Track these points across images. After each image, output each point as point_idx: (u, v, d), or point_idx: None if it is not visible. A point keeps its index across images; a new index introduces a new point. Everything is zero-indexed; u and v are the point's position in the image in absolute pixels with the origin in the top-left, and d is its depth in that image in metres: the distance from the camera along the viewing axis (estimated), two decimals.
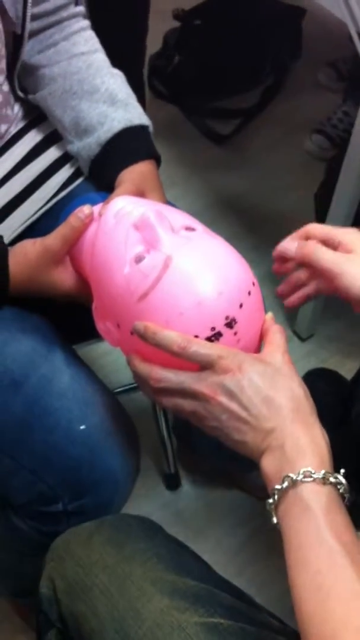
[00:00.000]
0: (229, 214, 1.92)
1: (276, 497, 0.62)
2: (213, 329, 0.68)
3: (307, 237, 0.80)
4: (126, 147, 0.92)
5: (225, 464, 1.37)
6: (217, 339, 0.69)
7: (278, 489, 0.62)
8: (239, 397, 0.66)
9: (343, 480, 0.62)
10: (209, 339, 0.68)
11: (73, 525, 0.79)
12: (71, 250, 0.82)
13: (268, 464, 0.64)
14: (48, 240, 0.82)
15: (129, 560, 0.72)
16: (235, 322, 0.69)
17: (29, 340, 0.86)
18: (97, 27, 1.03)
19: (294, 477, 0.61)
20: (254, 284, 0.73)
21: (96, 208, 0.82)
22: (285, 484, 0.61)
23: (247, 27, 2.11)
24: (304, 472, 0.61)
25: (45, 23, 0.96)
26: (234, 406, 0.66)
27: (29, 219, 0.98)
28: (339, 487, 0.62)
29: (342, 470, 0.63)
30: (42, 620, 0.75)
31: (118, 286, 0.72)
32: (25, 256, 0.82)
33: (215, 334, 0.68)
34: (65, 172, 1.00)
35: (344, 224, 1.42)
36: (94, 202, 0.82)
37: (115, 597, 0.70)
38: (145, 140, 0.95)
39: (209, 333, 0.68)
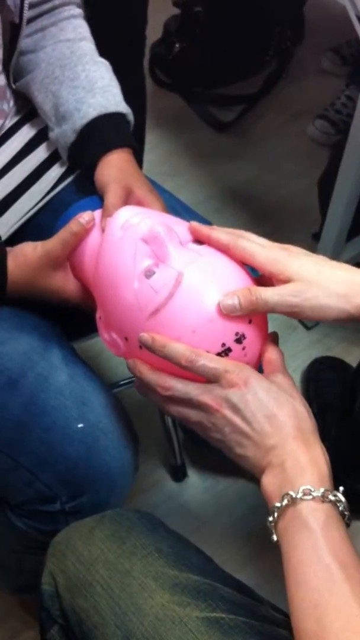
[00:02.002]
0: (232, 203, 1.91)
1: (276, 514, 0.62)
2: (223, 345, 0.69)
3: (237, 254, 0.73)
4: (101, 135, 0.90)
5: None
6: (227, 355, 0.69)
7: (277, 507, 0.62)
8: (243, 412, 0.66)
9: (342, 498, 0.62)
10: (218, 355, 0.69)
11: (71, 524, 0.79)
12: (72, 257, 0.82)
13: (268, 482, 0.65)
14: (48, 245, 0.81)
15: (130, 555, 0.72)
16: (245, 338, 0.70)
17: (26, 339, 0.86)
18: (96, 19, 1.02)
19: (294, 495, 0.61)
20: None
21: (97, 213, 0.82)
22: (285, 502, 0.62)
23: (248, 13, 2.09)
24: (303, 489, 0.61)
25: (38, 11, 0.96)
26: (237, 420, 0.66)
27: (26, 214, 0.97)
28: (338, 504, 0.62)
29: (342, 488, 0.63)
30: (44, 617, 0.75)
31: (127, 300, 0.72)
32: (25, 258, 0.82)
33: (225, 350, 0.69)
34: (62, 165, 0.99)
35: (347, 210, 1.41)
36: (85, 209, 0.82)
37: (117, 592, 0.70)
38: (121, 129, 0.93)
39: (220, 349, 0.69)
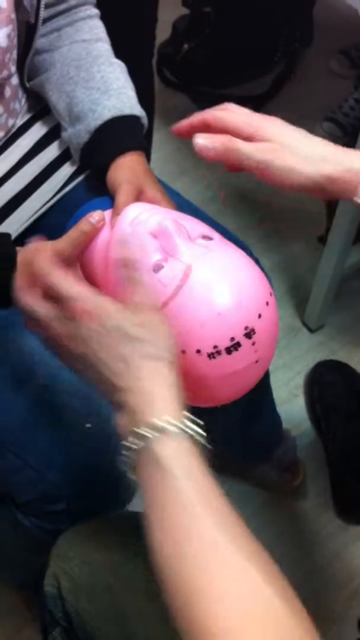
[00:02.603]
0: (237, 204, 1.90)
1: (129, 454, 0.58)
2: (232, 339, 0.68)
3: (218, 126, 0.76)
4: (115, 137, 0.90)
5: (233, 457, 1.36)
6: (236, 349, 0.68)
7: (127, 446, 0.58)
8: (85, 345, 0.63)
9: (199, 429, 0.58)
10: (228, 350, 0.68)
11: (76, 525, 0.78)
12: (82, 257, 0.82)
13: (120, 420, 0.61)
14: (58, 245, 0.81)
15: (133, 558, 0.71)
16: (254, 333, 0.69)
17: (35, 338, 0.85)
18: (106, 17, 1.02)
19: (141, 432, 0.57)
20: (271, 294, 0.73)
21: (107, 213, 0.82)
22: (136, 441, 0.57)
23: (257, 14, 2.08)
24: (152, 425, 0.57)
25: (54, 11, 0.96)
26: (73, 347, 0.64)
27: (36, 212, 0.97)
28: (195, 436, 0.58)
29: (201, 422, 0.59)
30: (47, 619, 0.75)
31: None
32: None
33: (234, 345, 0.68)
34: (72, 164, 0.99)
35: (354, 213, 1.40)
36: (96, 209, 0.81)
37: (120, 595, 0.69)
38: (135, 131, 0.93)
39: (229, 343, 0.68)
